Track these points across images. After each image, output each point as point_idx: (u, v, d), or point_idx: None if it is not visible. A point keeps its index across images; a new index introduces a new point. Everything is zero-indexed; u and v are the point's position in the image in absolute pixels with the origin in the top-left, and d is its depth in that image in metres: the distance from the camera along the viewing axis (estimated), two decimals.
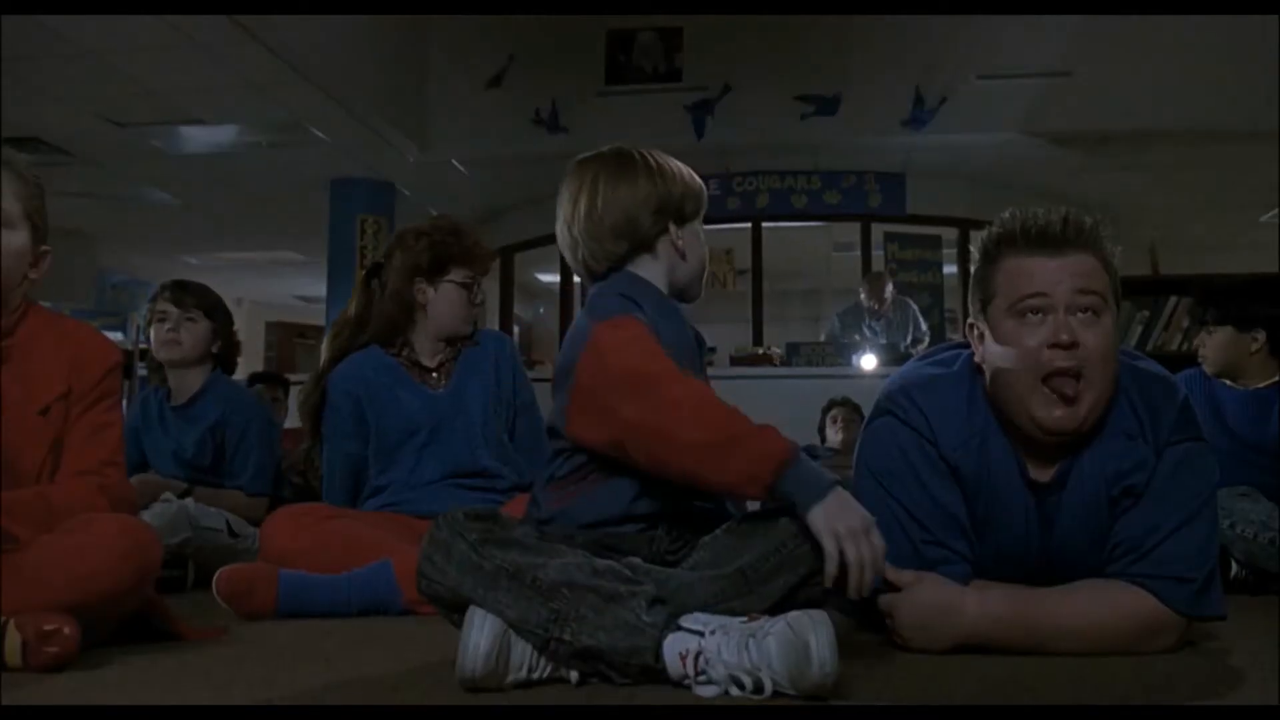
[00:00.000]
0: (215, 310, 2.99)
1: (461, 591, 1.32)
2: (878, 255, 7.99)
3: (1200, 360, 2.81)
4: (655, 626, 1.26)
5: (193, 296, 2.94)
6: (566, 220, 1.59)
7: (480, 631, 1.26)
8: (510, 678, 1.28)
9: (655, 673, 1.25)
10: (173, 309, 2.90)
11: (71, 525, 1.53)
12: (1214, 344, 2.76)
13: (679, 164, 1.64)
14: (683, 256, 1.61)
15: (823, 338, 6.54)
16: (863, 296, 6.33)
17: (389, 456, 2.45)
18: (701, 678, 1.23)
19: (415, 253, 2.48)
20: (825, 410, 4.99)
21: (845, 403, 4.93)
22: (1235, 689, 1.30)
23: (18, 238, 1.63)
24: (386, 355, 2.50)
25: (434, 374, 2.50)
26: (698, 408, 1.35)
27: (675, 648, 1.25)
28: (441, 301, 2.48)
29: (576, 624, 1.27)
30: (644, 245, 1.58)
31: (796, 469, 1.30)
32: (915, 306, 6.50)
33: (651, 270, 1.59)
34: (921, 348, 6.21)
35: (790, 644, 1.19)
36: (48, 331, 1.71)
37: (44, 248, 1.69)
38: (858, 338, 6.20)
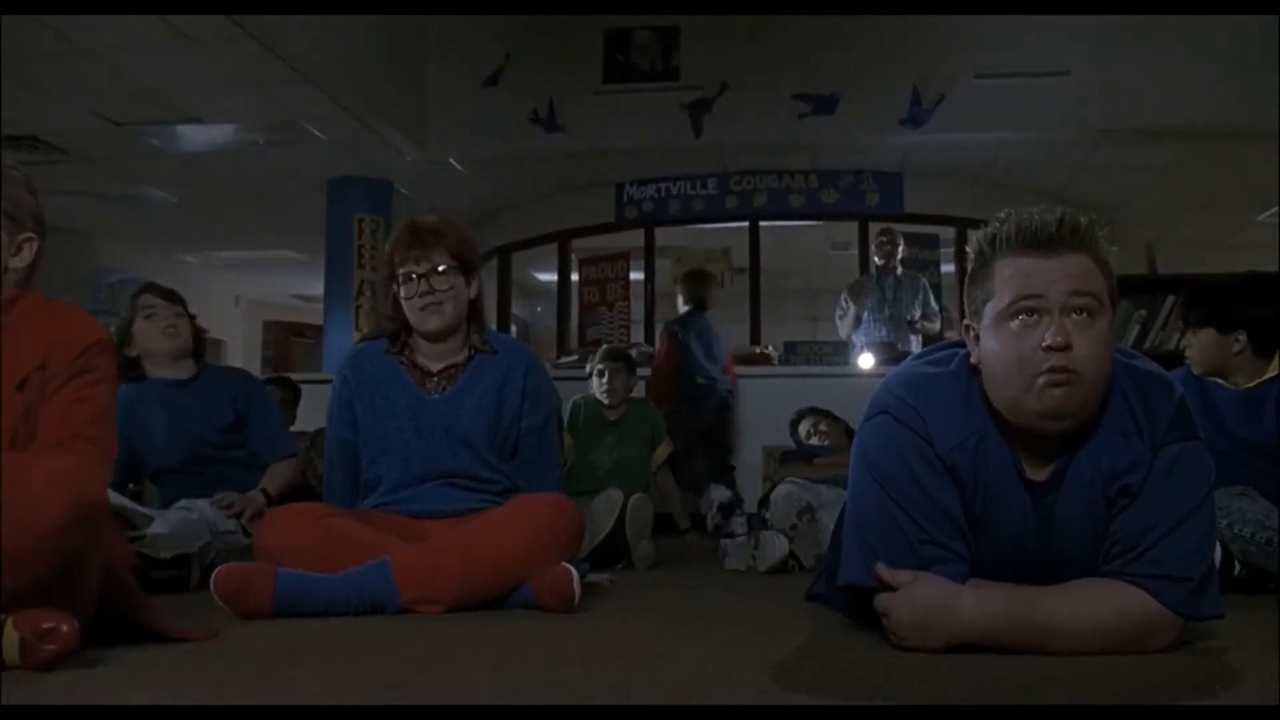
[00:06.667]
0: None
1: None
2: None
3: (1186, 360, 2.86)
4: None
5: (177, 297, 3.17)
6: None
7: None
8: None
9: None
10: (163, 304, 3.11)
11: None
12: (1197, 345, 2.81)
13: None
14: None
15: (837, 315, 6.47)
16: (873, 255, 6.40)
17: (374, 446, 2.45)
18: None
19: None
20: (795, 422, 4.64)
21: (814, 411, 4.60)
22: (1234, 689, 1.30)
23: None
24: (388, 352, 2.49)
25: (435, 378, 2.46)
26: None
27: None
28: (402, 298, 2.44)
29: None
30: None
31: None
32: (926, 282, 6.48)
33: None
34: (933, 327, 6.21)
35: None
36: (37, 315, 1.72)
37: (25, 235, 1.68)
38: (870, 302, 6.19)
